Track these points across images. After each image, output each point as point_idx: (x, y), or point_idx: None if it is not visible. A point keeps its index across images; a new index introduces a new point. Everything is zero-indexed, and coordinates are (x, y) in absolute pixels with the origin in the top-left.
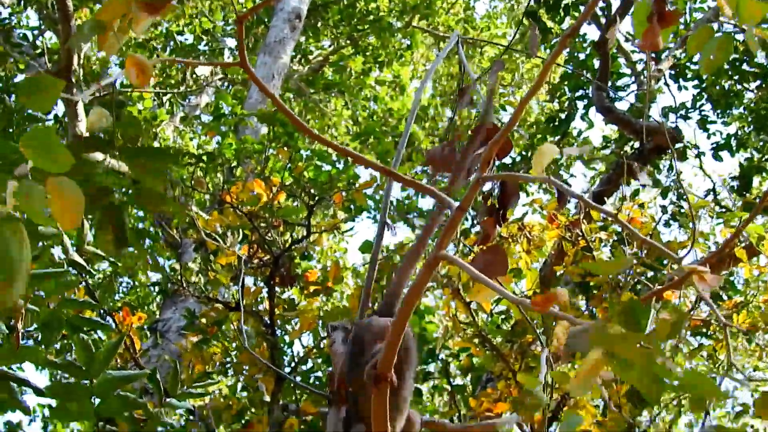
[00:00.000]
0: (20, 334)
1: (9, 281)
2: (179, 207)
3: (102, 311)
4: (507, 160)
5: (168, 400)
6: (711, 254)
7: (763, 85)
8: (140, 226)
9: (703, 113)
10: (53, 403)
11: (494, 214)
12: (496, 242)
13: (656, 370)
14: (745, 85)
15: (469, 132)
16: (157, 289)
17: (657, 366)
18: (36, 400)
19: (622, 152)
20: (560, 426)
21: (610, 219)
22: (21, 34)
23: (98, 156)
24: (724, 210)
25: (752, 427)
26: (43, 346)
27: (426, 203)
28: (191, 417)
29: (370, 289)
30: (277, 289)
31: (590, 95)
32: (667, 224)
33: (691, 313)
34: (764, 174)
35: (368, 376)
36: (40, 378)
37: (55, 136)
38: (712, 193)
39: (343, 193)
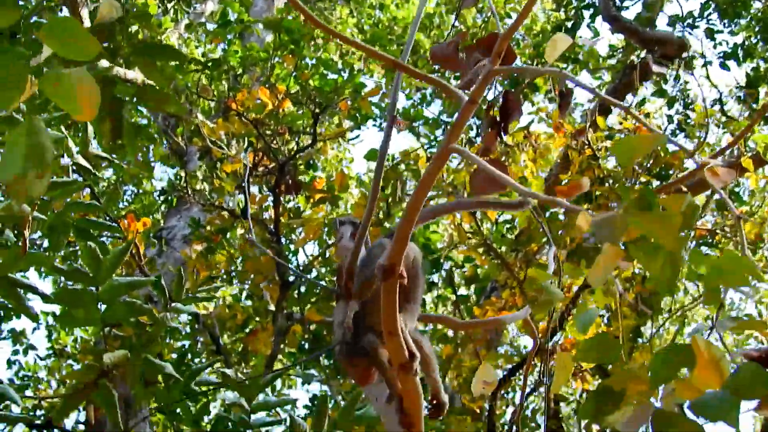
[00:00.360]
0: (27, 241)
1: (42, 172)
2: (182, 107)
3: (107, 218)
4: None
5: (173, 304)
6: (713, 155)
7: None
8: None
9: (710, 22)
10: (58, 310)
11: (496, 127)
12: (498, 155)
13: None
14: None
15: (474, 41)
16: (161, 198)
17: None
18: (41, 307)
19: (629, 61)
20: (576, 319)
21: (615, 128)
22: None
23: (104, 63)
24: (730, 119)
25: (756, 338)
26: (49, 253)
27: (432, 111)
28: (196, 326)
29: (378, 186)
30: (282, 197)
31: (597, 4)
32: (673, 134)
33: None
34: None
35: (378, 269)
36: (44, 286)
37: (79, 23)
38: (718, 103)
39: (349, 101)
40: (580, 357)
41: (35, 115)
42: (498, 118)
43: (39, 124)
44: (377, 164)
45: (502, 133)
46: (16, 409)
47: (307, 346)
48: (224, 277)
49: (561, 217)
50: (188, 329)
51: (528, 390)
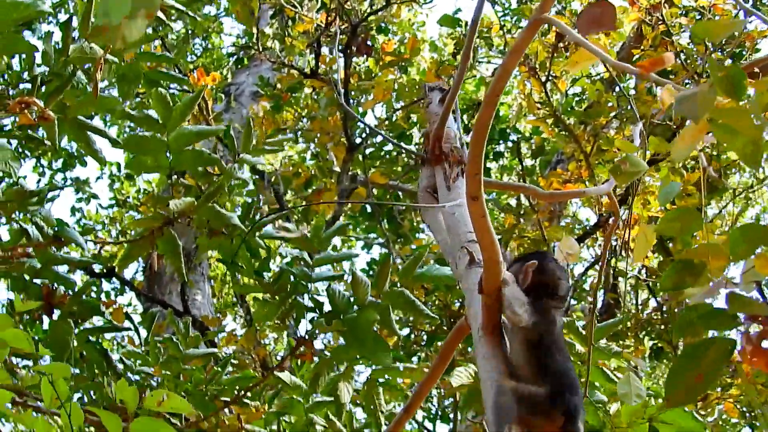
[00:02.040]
0: (98, 84)
1: (151, 12)
2: None
3: (177, 70)
4: None
5: (242, 155)
6: None
7: None
8: None
9: None
10: (122, 160)
11: None
12: None
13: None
14: None
15: None
16: (232, 56)
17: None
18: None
19: None
20: (659, 194)
21: (691, 4)
22: None
23: None
24: None
25: None
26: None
27: None
28: (258, 181)
29: (469, 56)
30: (353, 58)
31: None
32: (748, 13)
33: None
34: None
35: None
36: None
37: None
38: None
39: None
40: (663, 228)
41: None
42: None
43: None
44: (468, 34)
45: None
46: (77, 256)
47: (369, 209)
48: (291, 135)
49: (632, 92)
50: (252, 186)
51: (588, 264)
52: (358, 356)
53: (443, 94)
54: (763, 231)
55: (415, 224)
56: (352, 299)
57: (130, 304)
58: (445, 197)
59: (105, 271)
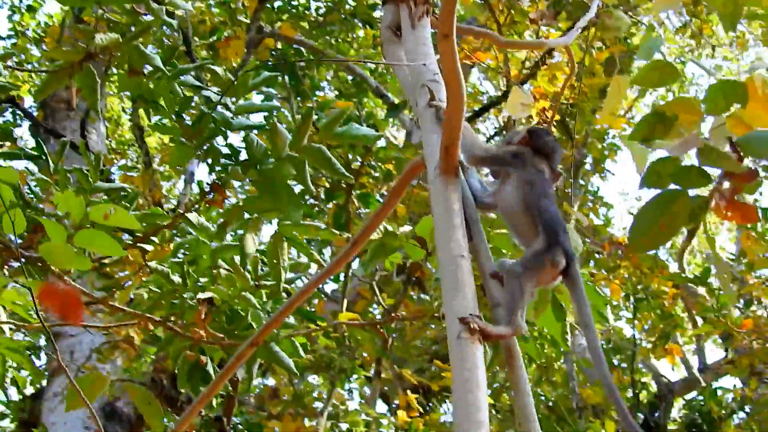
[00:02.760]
0: None
1: None
2: None
3: None
4: None
5: None
6: None
7: None
8: None
9: None
10: None
11: None
12: None
13: None
14: None
15: None
16: None
17: None
18: None
19: None
20: (640, 49)
21: None
22: None
23: None
24: None
25: None
26: None
27: None
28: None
29: None
30: None
31: None
32: None
33: None
34: None
35: None
36: None
37: None
38: None
39: None
40: (641, 79)
41: None
42: None
43: None
44: None
45: None
46: None
47: (270, 63)
48: None
49: None
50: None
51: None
52: (269, 208)
53: None
54: (741, 88)
55: (315, 82)
56: (269, 151)
57: (21, 138)
58: (408, 35)
59: (5, 99)
